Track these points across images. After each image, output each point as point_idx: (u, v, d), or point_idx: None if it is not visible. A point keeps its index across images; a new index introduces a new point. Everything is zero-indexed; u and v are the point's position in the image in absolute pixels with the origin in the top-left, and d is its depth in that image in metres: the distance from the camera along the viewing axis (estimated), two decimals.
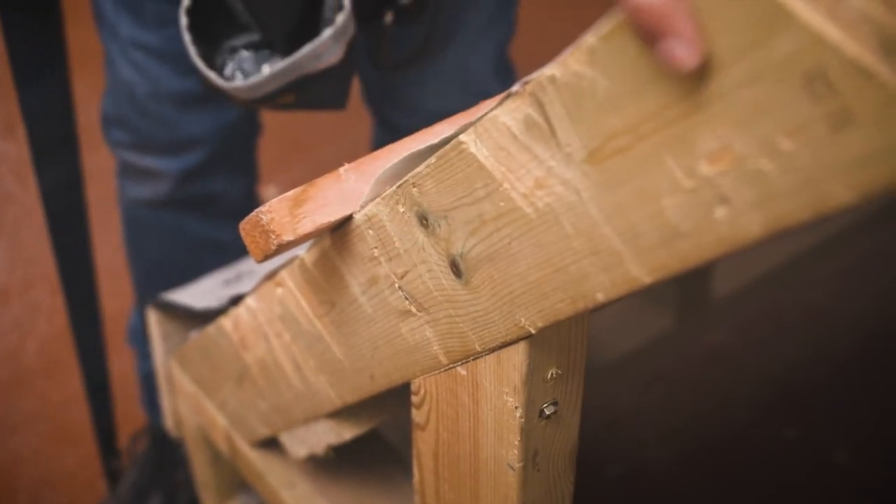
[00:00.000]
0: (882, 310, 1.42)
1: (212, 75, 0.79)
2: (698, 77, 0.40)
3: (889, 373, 1.33)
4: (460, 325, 0.60)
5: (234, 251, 1.13)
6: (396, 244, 0.62)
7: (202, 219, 1.21)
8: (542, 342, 0.57)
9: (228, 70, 0.81)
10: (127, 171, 1.21)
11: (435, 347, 0.64)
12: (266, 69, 0.79)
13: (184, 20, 0.79)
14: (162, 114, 1.11)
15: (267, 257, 0.64)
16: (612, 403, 1.32)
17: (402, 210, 0.60)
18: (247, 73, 0.81)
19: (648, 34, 0.40)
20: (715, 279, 1.30)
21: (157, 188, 1.18)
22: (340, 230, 0.66)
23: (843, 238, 1.38)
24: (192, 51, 0.79)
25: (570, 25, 0.52)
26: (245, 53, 0.82)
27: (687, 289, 1.27)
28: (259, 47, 0.82)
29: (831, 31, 0.35)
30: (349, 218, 0.65)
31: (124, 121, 1.14)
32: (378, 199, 0.62)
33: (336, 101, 0.89)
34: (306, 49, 0.78)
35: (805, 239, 1.32)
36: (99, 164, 1.94)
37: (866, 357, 1.37)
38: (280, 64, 0.79)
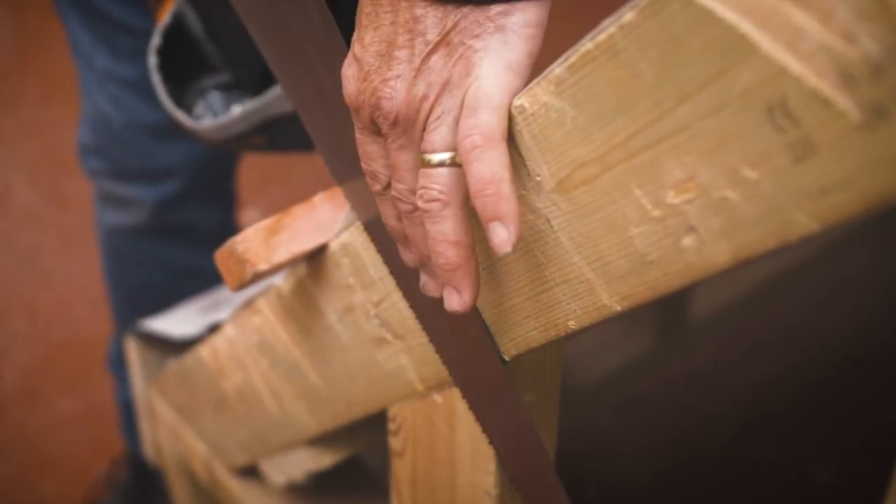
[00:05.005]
0: (858, 329, 1.42)
1: (180, 115, 0.79)
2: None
3: (865, 391, 1.34)
4: (435, 352, 0.60)
5: (213, 278, 1.13)
6: (371, 272, 0.62)
7: (181, 246, 1.21)
8: (517, 369, 0.58)
9: (199, 110, 0.81)
10: (105, 199, 1.21)
11: (410, 375, 0.64)
12: (237, 109, 0.79)
13: (153, 60, 0.79)
14: (138, 144, 1.11)
15: (242, 286, 0.64)
16: (592, 424, 1.32)
17: None
18: (216, 113, 0.81)
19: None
20: (693, 301, 1.30)
21: (135, 216, 1.18)
22: (316, 259, 0.66)
23: (819, 259, 1.39)
24: (161, 91, 0.79)
25: (542, 54, 0.53)
26: (215, 94, 0.82)
27: (665, 310, 1.27)
28: (230, 88, 0.82)
29: (792, 63, 0.36)
30: (324, 247, 0.65)
31: (101, 150, 1.14)
32: (352, 228, 0.62)
33: (308, 143, 0.89)
34: (278, 89, 0.78)
35: (781, 260, 1.33)
36: (78, 189, 1.94)
37: (843, 376, 1.37)
38: (250, 104, 0.78)
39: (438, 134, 0.48)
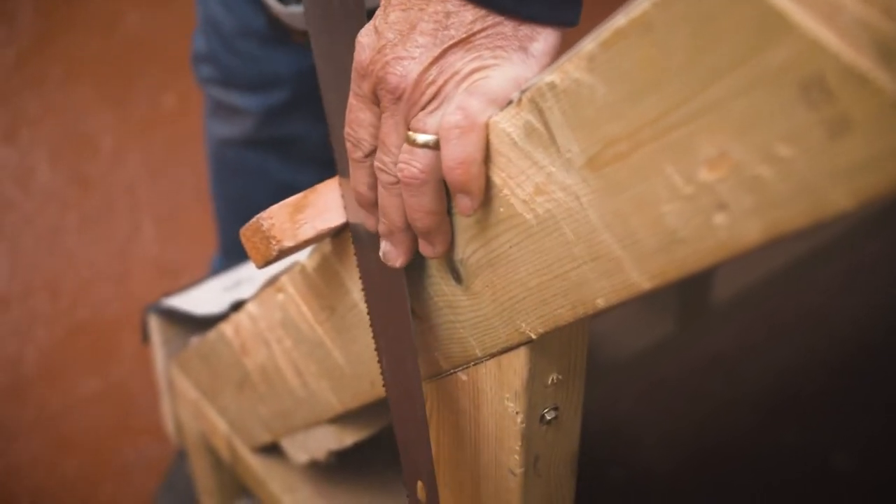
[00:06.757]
0: (882, 314, 1.41)
1: (278, 6, 0.79)
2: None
3: (889, 377, 1.33)
4: (460, 330, 0.61)
5: None
6: None
7: (283, 160, 1.24)
8: (543, 347, 0.58)
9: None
10: (214, 110, 1.24)
11: (435, 353, 0.64)
12: None
13: None
14: (247, 50, 1.14)
15: (268, 263, 0.65)
16: (613, 408, 1.32)
17: None
18: None
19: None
20: (715, 284, 1.30)
21: (242, 126, 1.21)
22: (341, 236, 0.66)
23: (842, 242, 1.38)
24: None
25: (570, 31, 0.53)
26: None
27: (687, 294, 1.27)
28: None
29: (829, 38, 0.36)
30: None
31: (213, 56, 1.17)
32: None
33: None
34: None
35: (805, 243, 1.32)
36: (99, 170, 1.95)
37: (866, 361, 1.36)
38: None
39: (433, 117, 0.52)
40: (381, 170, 0.55)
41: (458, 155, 0.51)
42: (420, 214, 0.54)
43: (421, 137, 0.52)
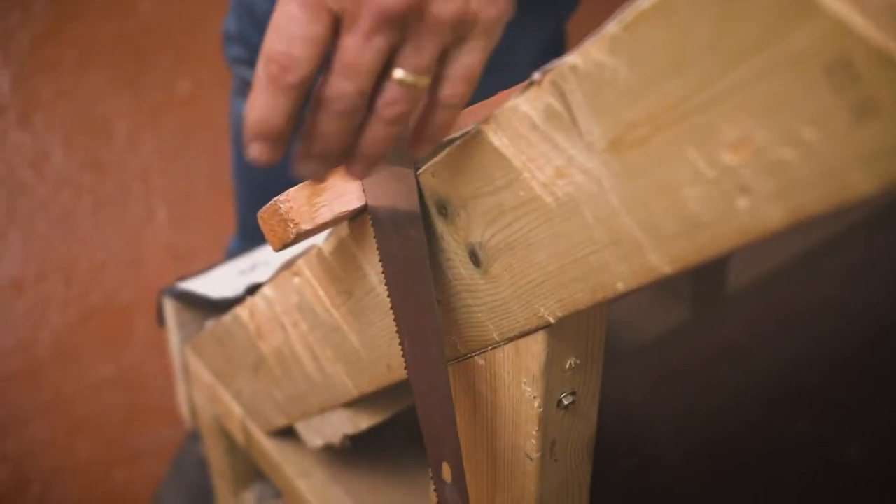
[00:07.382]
0: (894, 306, 1.41)
1: None
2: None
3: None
4: (478, 314, 0.61)
5: None
6: None
7: None
8: (561, 332, 0.58)
9: None
10: (241, 89, 1.25)
11: (452, 337, 0.64)
12: None
13: None
14: None
15: (285, 246, 0.65)
16: (626, 396, 1.32)
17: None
18: None
19: None
20: (729, 272, 1.29)
21: None
22: (359, 219, 0.66)
23: (857, 231, 1.38)
24: None
25: (588, 14, 0.53)
26: None
27: (701, 282, 1.26)
28: None
29: (856, 20, 0.35)
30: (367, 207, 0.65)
31: (243, 37, 1.18)
32: None
33: None
34: None
35: (819, 232, 1.31)
36: (113, 155, 1.96)
37: (879, 351, 1.36)
38: None
39: (428, 59, 0.49)
40: (338, 98, 0.49)
41: (442, 123, 0.53)
42: (387, 143, 0.52)
43: (410, 77, 0.49)
